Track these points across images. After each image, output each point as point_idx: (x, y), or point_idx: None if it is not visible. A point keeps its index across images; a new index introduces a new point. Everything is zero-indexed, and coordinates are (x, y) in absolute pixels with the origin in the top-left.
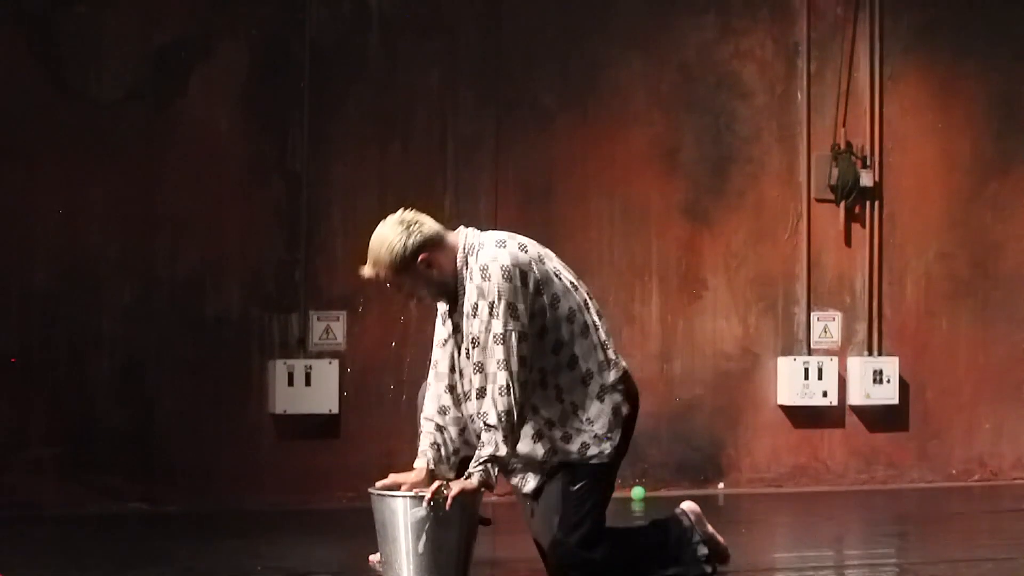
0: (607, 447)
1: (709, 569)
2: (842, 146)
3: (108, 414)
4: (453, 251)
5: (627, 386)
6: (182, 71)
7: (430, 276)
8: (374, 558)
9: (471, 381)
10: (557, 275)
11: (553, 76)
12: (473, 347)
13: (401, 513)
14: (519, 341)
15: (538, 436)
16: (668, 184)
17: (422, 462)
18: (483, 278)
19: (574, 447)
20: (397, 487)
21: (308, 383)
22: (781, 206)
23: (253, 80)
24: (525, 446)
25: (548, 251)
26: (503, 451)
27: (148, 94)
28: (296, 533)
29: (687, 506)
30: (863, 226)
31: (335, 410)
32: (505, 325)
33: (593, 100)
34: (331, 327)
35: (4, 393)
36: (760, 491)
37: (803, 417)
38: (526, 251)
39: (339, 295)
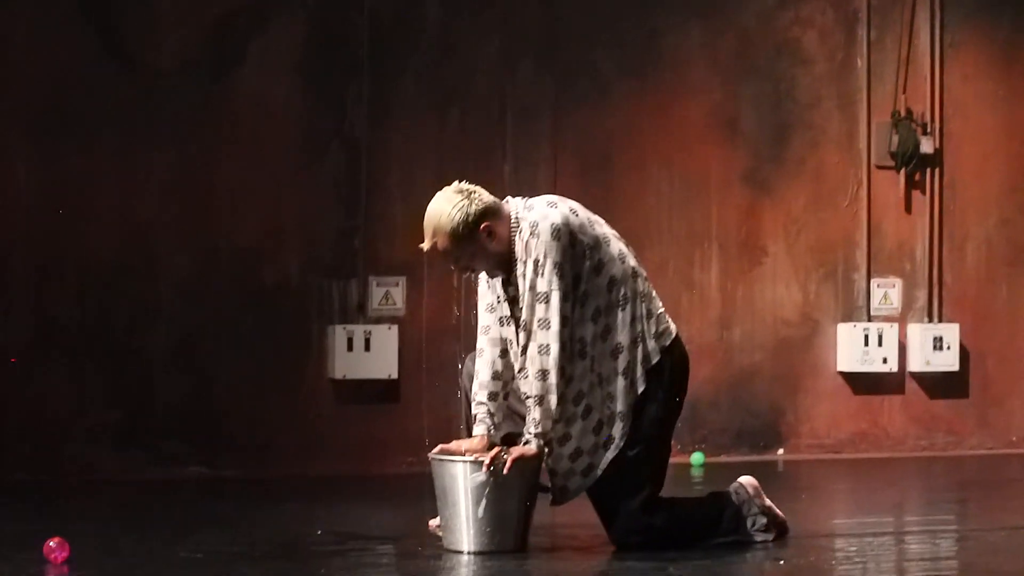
0: (622, 427)
1: (769, 537)
2: (902, 113)
3: (167, 381)
4: (508, 220)
5: (673, 356)
6: (240, 41)
7: (489, 246)
8: (434, 523)
9: (519, 343)
10: (606, 241)
11: (611, 45)
12: (520, 306)
13: (461, 478)
14: (562, 301)
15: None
16: (728, 152)
17: (481, 429)
18: (531, 235)
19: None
20: (457, 453)
21: (367, 348)
22: (841, 173)
23: (311, 49)
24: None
25: (598, 218)
26: (544, 425)
27: (206, 64)
28: (355, 498)
29: (745, 480)
30: (923, 193)
31: (394, 375)
32: (549, 284)
33: (652, 68)
34: (390, 292)
35: (63, 362)
36: (819, 457)
37: (863, 384)
38: (576, 214)
39: (398, 261)
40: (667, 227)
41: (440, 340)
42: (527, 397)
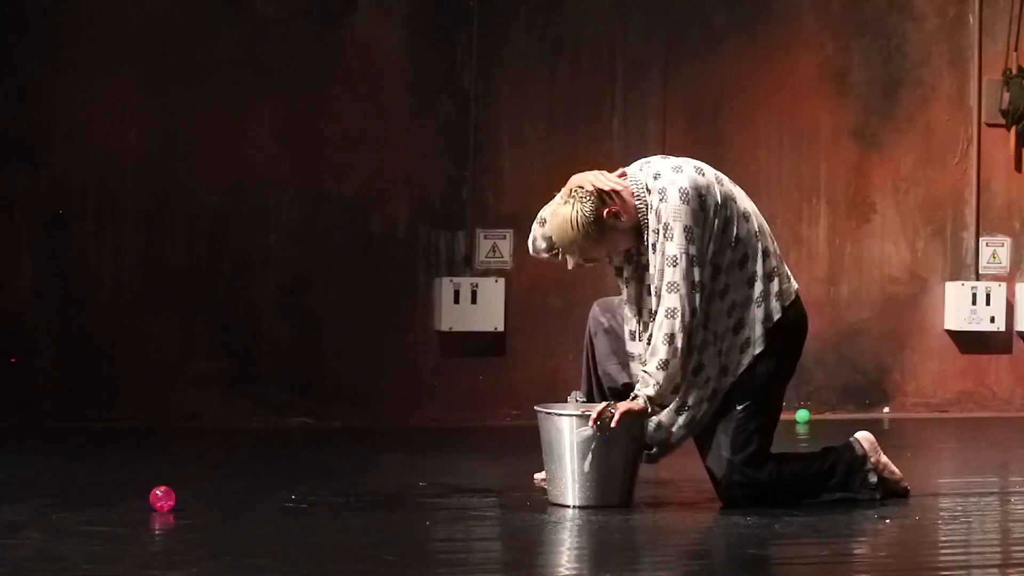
0: (728, 382)
1: (877, 496)
2: (1014, 71)
3: (274, 330)
4: (627, 192)
5: (787, 315)
6: None
7: (624, 226)
8: (539, 476)
9: (651, 311)
10: (732, 199)
11: None
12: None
13: (567, 432)
14: (691, 264)
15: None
16: (837, 107)
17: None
18: (660, 200)
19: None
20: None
21: (474, 301)
22: (951, 131)
23: None
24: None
25: (723, 175)
26: (663, 390)
27: (316, 11)
28: (460, 450)
29: (861, 436)
30: None
31: (500, 328)
32: (679, 247)
33: (763, 22)
34: (498, 245)
35: (171, 309)
36: (925, 416)
37: (970, 342)
38: (703, 174)
39: (506, 213)
40: (776, 181)
41: (547, 293)
42: (648, 356)
